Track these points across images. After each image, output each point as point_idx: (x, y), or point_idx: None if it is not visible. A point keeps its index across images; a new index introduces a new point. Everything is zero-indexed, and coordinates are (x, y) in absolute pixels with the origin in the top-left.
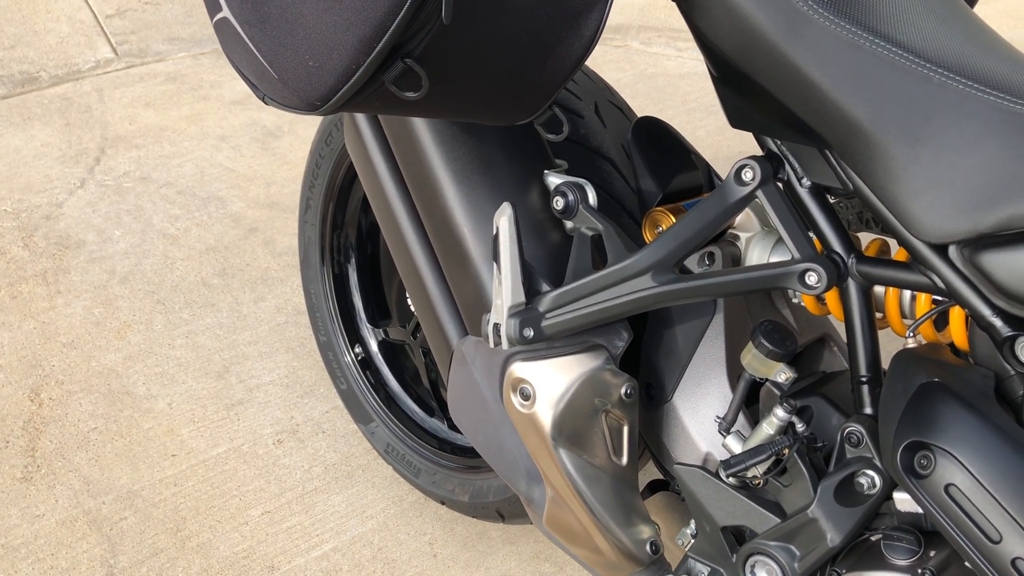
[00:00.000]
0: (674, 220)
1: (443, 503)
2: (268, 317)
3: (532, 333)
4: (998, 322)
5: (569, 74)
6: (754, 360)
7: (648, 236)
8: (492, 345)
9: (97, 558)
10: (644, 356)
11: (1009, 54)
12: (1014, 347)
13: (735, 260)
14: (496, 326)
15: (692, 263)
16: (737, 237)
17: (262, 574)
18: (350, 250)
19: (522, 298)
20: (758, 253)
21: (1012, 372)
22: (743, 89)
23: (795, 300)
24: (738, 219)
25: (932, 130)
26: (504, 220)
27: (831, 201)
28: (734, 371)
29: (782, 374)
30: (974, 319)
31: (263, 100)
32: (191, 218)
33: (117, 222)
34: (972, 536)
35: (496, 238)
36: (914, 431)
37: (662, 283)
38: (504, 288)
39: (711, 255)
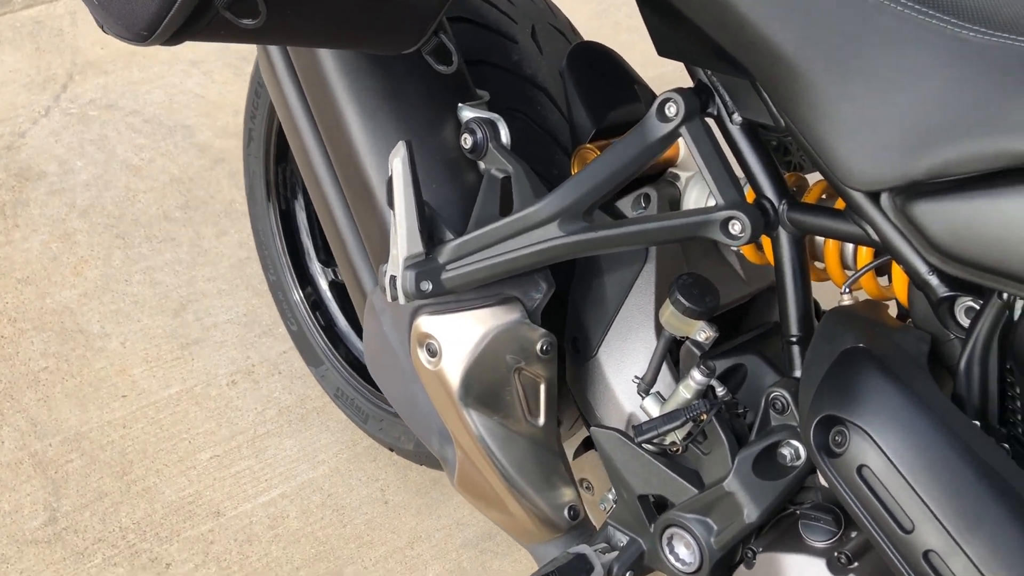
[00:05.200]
0: None
1: (392, 450)
2: (230, 252)
3: (430, 287)
4: (934, 280)
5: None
6: (672, 318)
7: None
8: (389, 299)
9: (40, 501)
10: (571, 306)
11: None
12: (952, 308)
13: (673, 202)
14: (392, 278)
15: (627, 206)
16: (677, 177)
17: (207, 520)
18: (296, 186)
19: (419, 248)
20: (697, 194)
21: (951, 336)
22: (666, 14)
23: (734, 248)
24: (680, 157)
25: (865, 60)
26: (397, 162)
27: (774, 139)
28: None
29: (702, 333)
30: (909, 276)
31: (103, 29)
32: (156, 148)
33: (80, 152)
34: (883, 524)
35: (389, 182)
36: (830, 404)
37: (570, 232)
38: (399, 237)
39: (647, 196)
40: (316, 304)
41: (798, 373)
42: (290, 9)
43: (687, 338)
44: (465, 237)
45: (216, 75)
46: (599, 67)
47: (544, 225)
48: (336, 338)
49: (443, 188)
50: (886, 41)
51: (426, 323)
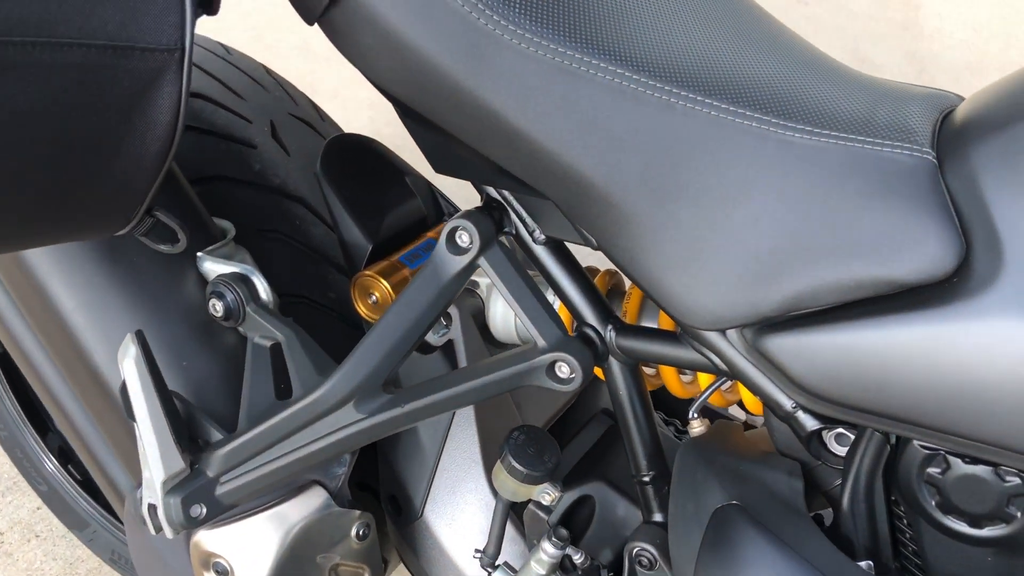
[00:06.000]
0: (387, 286)
1: None
2: None
3: (204, 511)
4: (800, 415)
5: (153, 173)
6: (508, 482)
7: (361, 307)
8: (153, 532)
9: None
10: (382, 460)
11: (784, 43)
12: (822, 437)
13: (477, 314)
14: (152, 507)
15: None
16: (476, 284)
17: None
18: None
19: (180, 465)
20: (503, 304)
21: (819, 462)
22: (437, 132)
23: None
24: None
25: (683, 178)
26: (128, 363)
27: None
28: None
29: (546, 495)
30: (770, 410)
31: None
32: None
33: None
34: None
35: (124, 390)
36: None
37: (371, 413)
38: (150, 457)
39: (447, 316)
40: (66, 455)
41: (657, 516)
42: None
43: (530, 500)
44: (238, 441)
45: None
46: (360, 165)
47: (338, 409)
48: (99, 492)
49: (198, 365)
50: (703, 153)
51: (207, 540)
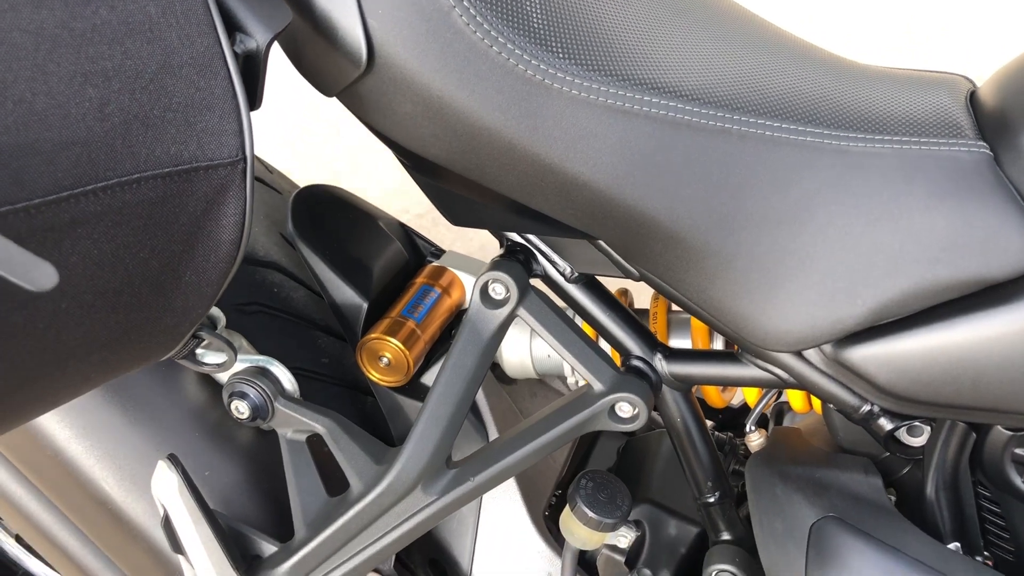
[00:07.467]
0: (398, 344)
1: None
2: None
3: None
4: (879, 418)
5: (212, 298)
6: (579, 530)
7: (372, 373)
8: None
9: None
10: None
11: (799, 47)
12: (895, 433)
13: None
14: None
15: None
16: None
17: None
18: None
19: None
20: (515, 338)
21: (886, 453)
22: (455, 185)
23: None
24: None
25: (747, 203)
26: (170, 492)
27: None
28: (540, 511)
29: (622, 538)
30: (845, 415)
31: None
32: None
33: None
34: None
35: (167, 524)
36: None
37: (443, 492)
38: None
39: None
40: None
41: (725, 535)
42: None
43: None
44: (306, 550)
45: None
46: (330, 217)
47: (407, 496)
48: None
49: (221, 472)
50: (763, 174)
51: None
